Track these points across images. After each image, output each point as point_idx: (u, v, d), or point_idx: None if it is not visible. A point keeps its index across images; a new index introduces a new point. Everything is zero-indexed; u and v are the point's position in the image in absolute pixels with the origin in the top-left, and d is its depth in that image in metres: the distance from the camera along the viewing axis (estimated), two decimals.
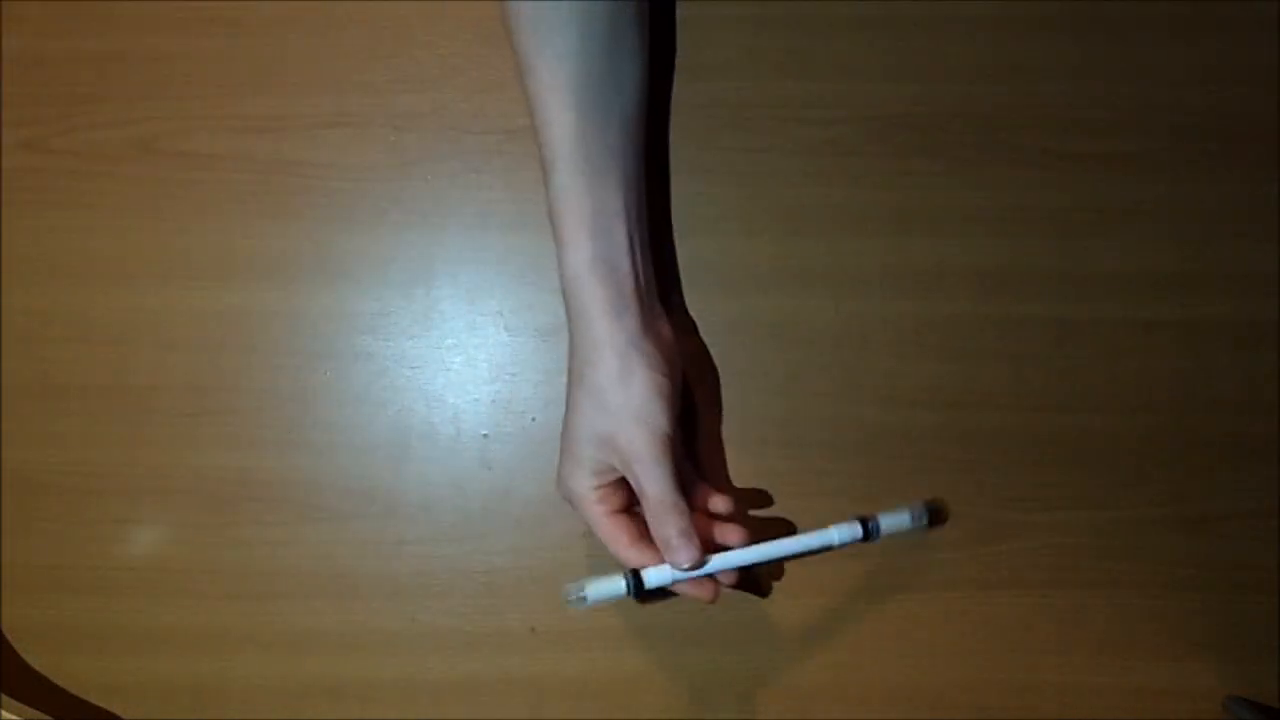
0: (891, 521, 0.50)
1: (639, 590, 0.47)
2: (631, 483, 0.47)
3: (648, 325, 0.48)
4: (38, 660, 0.55)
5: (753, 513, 0.55)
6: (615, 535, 0.48)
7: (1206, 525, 0.55)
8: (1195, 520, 0.55)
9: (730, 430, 0.55)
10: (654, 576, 0.48)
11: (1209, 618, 0.55)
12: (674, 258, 0.55)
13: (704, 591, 0.49)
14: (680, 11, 0.55)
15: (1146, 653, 0.55)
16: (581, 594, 0.47)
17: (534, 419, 0.55)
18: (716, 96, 0.55)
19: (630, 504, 0.49)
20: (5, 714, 0.52)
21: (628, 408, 0.46)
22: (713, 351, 0.55)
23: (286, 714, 0.55)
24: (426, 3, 0.55)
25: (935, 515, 0.54)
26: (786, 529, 0.54)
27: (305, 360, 0.55)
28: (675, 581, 0.48)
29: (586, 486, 0.48)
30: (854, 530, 0.50)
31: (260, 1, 0.56)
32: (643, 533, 0.48)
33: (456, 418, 0.55)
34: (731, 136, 0.55)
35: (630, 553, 0.48)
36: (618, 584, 0.47)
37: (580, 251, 0.47)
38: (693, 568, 0.47)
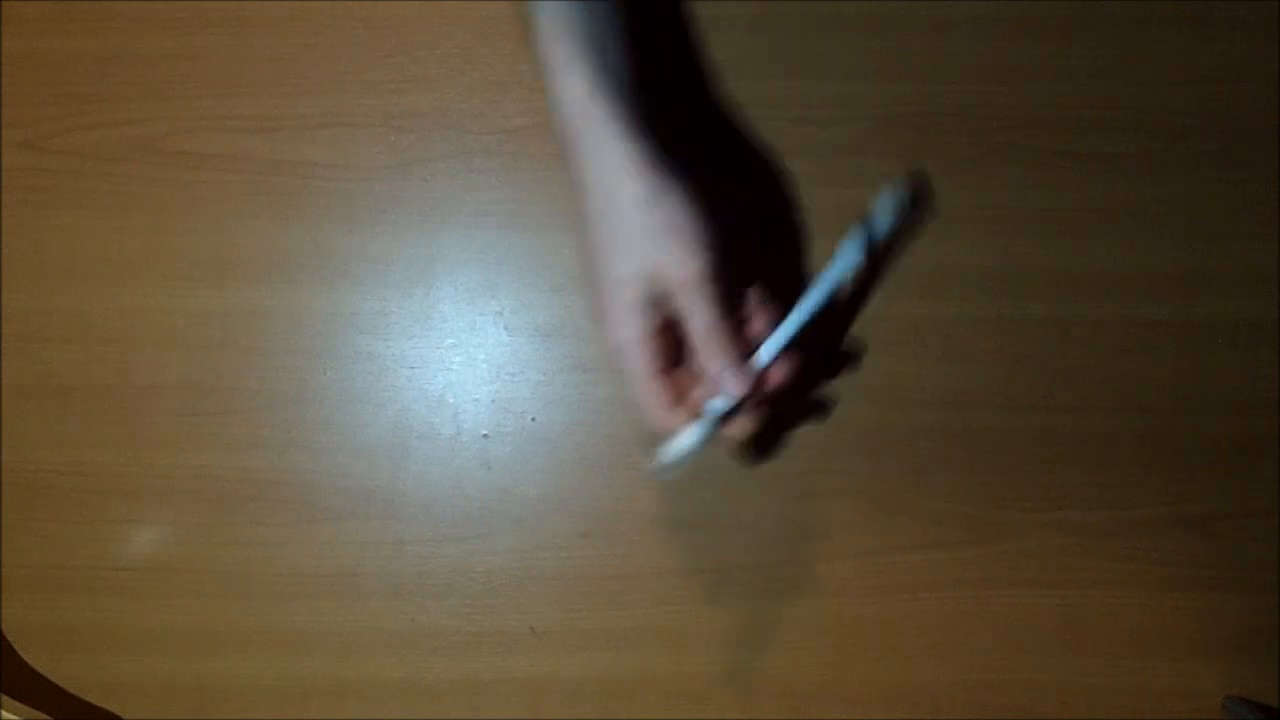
0: (882, 214, 0.47)
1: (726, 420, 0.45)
2: (680, 312, 0.43)
3: (662, 148, 0.43)
4: (38, 660, 0.55)
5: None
6: (654, 396, 0.44)
7: (1206, 525, 0.55)
8: (1195, 520, 0.55)
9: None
10: (718, 407, 0.44)
11: (1209, 618, 0.55)
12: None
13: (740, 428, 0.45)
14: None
15: (1146, 653, 0.55)
16: (664, 462, 0.45)
17: (534, 419, 0.55)
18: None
19: (673, 362, 0.45)
20: (5, 714, 0.52)
21: (666, 228, 0.41)
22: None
23: (286, 714, 0.55)
24: (426, 3, 0.55)
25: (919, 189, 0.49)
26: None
27: (305, 360, 0.55)
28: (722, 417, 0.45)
29: (636, 330, 0.43)
30: (856, 244, 0.47)
31: (261, 1, 0.56)
32: (681, 394, 0.44)
33: (456, 418, 0.55)
34: None
35: (664, 418, 0.44)
36: (692, 436, 0.44)
37: (578, 75, 0.42)
38: (745, 394, 0.43)
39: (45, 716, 0.53)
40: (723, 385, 0.43)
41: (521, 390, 0.56)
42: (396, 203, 0.56)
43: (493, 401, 0.55)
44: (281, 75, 0.56)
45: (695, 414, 0.44)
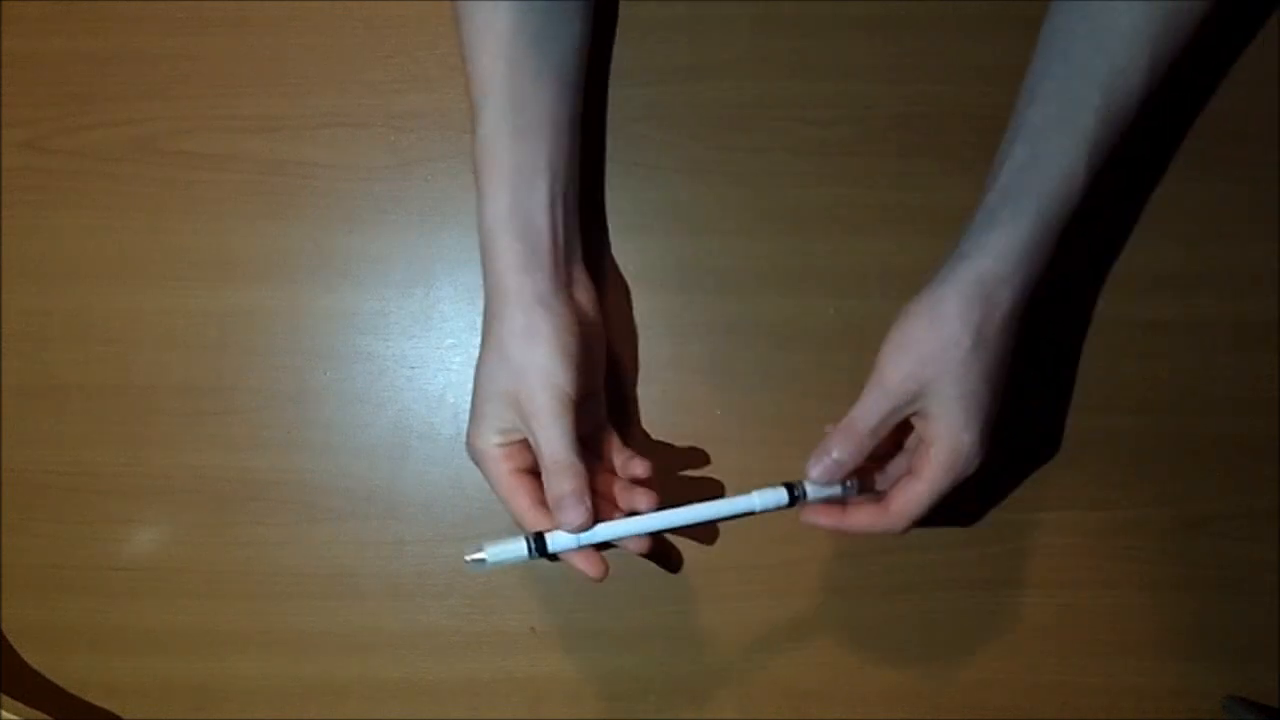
0: (819, 490, 0.47)
1: (541, 552, 0.46)
2: (530, 441, 0.46)
3: (559, 285, 0.47)
4: (38, 660, 0.55)
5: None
6: (514, 494, 0.47)
7: (1206, 525, 0.55)
8: (1195, 520, 0.55)
9: (730, 430, 0.55)
10: (558, 541, 0.46)
11: (1209, 618, 0.55)
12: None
13: (591, 567, 0.47)
14: (680, 11, 0.55)
15: (1146, 653, 0.55)
16: (480, 555, 0.45)
17: None
18: (716, 96, 0.55)
19: (535, 466, 0.47)
20: (5, 714, 0.52)
21: (530, 365, 0.45)
22: (713, 351, 0.55)
23: (286, 714, 0.55)
24: (426, 3, 0.55)
25: (864, 484, 0.49)
26: (718, 492, 0.54)
27: (305, 360, 0.55)
28: (578, 548, 0.46)
29: (490, 443, 0.47)
30: (778, 495, 0.47)
31: (261, 1, 0.56)
32: (544, 495, 0.46)
33: (456, 418, 0.55)
34: (731, 136, 0.55)
35: (529, 514, 0.46)
36: (519, 546, 0.45)
37: (497, 204, 0.46)
38: (581, 529, 0.45)
39: (45, 716, 0.53)
40: (561, 513, 0.45)
41: None
42: (396, 203, 0.56)
43: None
44: (281, 75, 0.56)
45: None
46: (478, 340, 0.55)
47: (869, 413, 0.46)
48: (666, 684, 0.55)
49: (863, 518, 0.47)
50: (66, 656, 0.55)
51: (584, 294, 0.49)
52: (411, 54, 0.56)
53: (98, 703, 0.55)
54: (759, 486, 0.55)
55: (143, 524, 0.55)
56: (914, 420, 0.46)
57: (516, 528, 0.47)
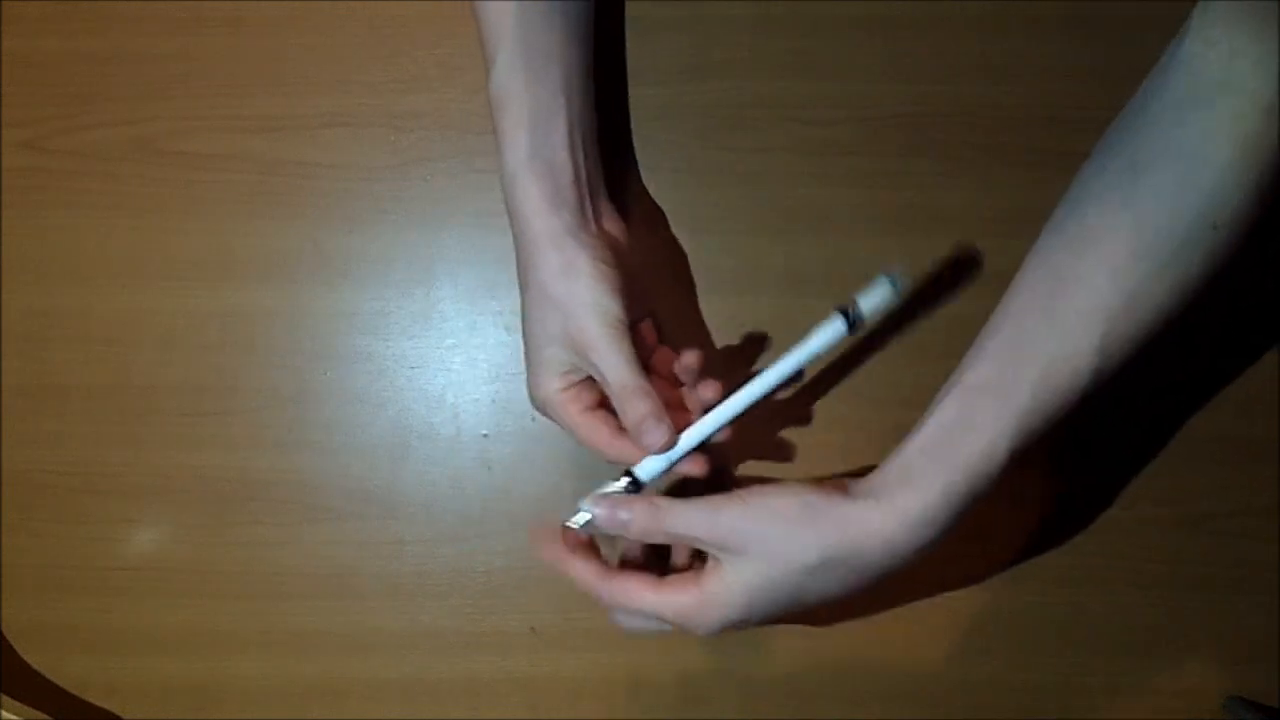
0: (871, 300, 0.43)
1: (638, 487, 0.45)
2: (594, 375, 0.45)
3: (587, 219, 0.47)
4: (38, 660, 0.55)
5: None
6: (594, 431, 0.46)
7: (1206, 525, 0.55)
8: (1195, 520, 0.55)
9: (730, 431, 0.55)
10: (649, 468, 0.45)
11: (1209, 618, 0.55)
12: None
13: (694, 466, 0.46)
14: (680, 12, 0.55)
15: (1146, 653, 0.55)
16: (586, 516, 0.44)
17: (534, 419, 0.55)
18: (716, 96, 0.55)
19: (603, 400, 0.47)
20: (5, 714, 0.52)
21: (575, 298, 0.45)
22: (713, 351, 0.55)
23: (286, 714, 0.55)
24: (426, 3, 0.55)
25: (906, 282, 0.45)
26: None
27: (305, 360, 0.55)
28: (669, 467, 0.45)
29: (553, 389, 0.46)
30: (835, 327, 0.44)
31: (260, 1, 0.56)
32: (621, 425, 0.46)
33: (456, 418, 0.55)
34: (731, 136, 0.55)
35: (613, 446, 0.46)
36: (618, 488, 0.45)
37: (517, 148, 0.46)
38: (665, 448, 0.44)
39: (45, 716, 0.53)
40: (643, 438, 0.44)
41: (521, 390, 0.55)
42: (396, 203, 0.56)
43: (493, 401, 0.55)
44: (281, 75, 0.56)
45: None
46: (478, 340, 0.55)
47: (686, 512, 0.42)
48: (666, 684, 0.55)
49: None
50: (66, 656, 0.55)
51: (613, 225, 0.49)
52: (412, 54, 0.56)
53: (98, 703, 0.55)
54: (760, 487, 0.55)
55: (143, 524, 0.55)
56: (708, 549, 0.43)
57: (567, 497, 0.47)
